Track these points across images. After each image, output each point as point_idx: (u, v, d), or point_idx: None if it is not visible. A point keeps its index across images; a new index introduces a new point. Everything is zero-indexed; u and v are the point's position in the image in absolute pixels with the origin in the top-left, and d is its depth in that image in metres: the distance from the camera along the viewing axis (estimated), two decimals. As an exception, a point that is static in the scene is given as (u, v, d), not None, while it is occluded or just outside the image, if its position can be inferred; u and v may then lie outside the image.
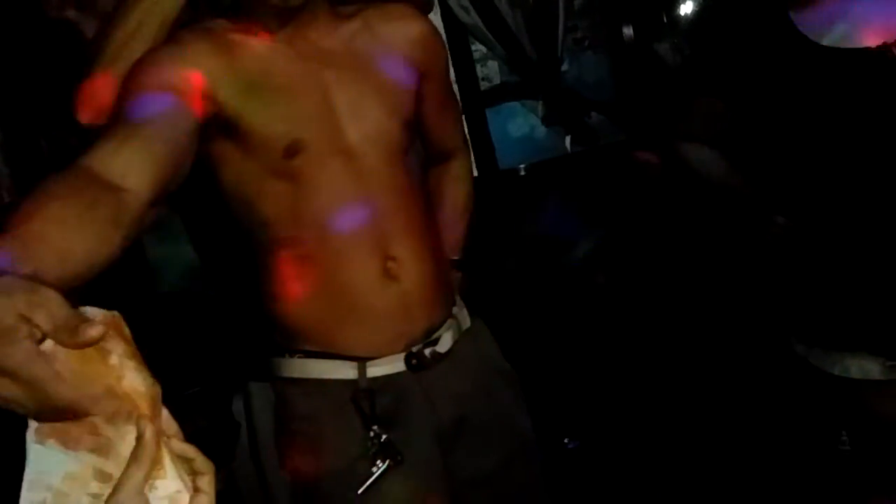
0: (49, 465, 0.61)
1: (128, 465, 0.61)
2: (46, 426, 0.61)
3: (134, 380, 0.64)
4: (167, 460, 0.63)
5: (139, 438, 0.62)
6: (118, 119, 1.03)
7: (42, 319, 0.61)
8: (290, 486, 1.31)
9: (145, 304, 1.82)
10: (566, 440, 2.44)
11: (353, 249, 1.21)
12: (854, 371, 1.40)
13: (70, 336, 0.61)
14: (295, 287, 1.24)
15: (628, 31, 2.84)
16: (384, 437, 1.23)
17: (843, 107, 1.32)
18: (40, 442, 0.61)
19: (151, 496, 0.62)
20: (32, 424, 0.61)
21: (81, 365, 0.62)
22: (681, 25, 2.80)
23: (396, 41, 1.28)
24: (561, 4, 2.79)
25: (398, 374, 1.26)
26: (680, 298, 2.53)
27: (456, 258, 1.47)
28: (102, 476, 0.62)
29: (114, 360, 0.63)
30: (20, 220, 0.79)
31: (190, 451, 0.67)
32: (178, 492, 0.64)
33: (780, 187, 1.43)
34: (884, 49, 1.29)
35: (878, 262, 1.35)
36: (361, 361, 1.24)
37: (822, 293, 1.43)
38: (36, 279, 0.67)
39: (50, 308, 0.61)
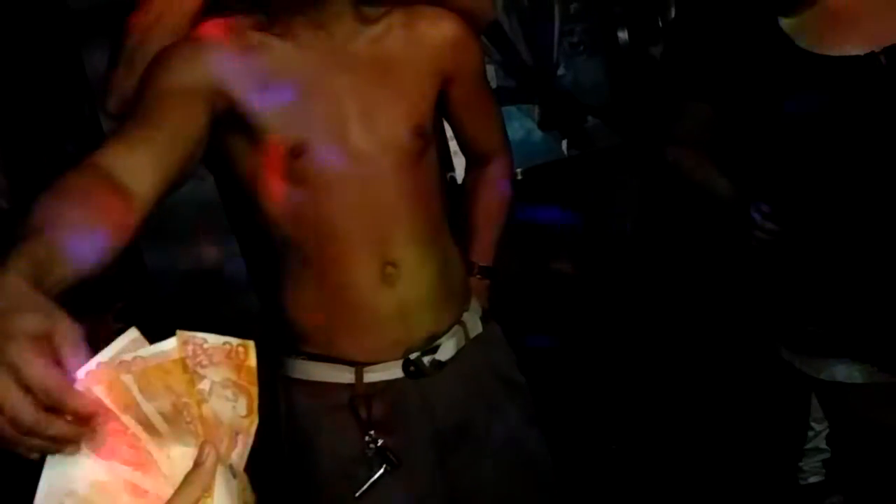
0: (74, 471, 0.60)
1: (180, 488, 0.61)
2: None
3: (220, 408, 0.64)
4: (217, 488, 0.62)
5: (198, 465, 0.62)
6: (133, 118, 1.06)
7: (60, 342, 0.63)
8: (292, 482, 1.32)
9: (145, 308, 1.83)
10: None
11: (351, 253, 1.21)
12: (839, 375, 1.41)
13: (57, 390, 0.61)
14: (297, 288, 1.25)
15: (624, 35, 2.85)
16: (380, 441, 1.24)
17: (830, 114, 1.33)
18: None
19: None
20: None
21: (155, 379, 0.62)
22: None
23: (423, 45, 1.26)
24: (556, 9, 2.81)
25: (396, 380, 1.26)
26: (670, 302, 2.54)
27: (484, 264, 1.46)
28: (136, 491, 0.61)
29: (204, 384, 0.63)
30: (42, 224, 0.80)
31: (243, 479, 0.67)
32: None
33: (768, 193, 1.44)
34: (872, 56, 1.30)
35: (863, 270, 1.36)
36: (359, 366, 1.25)
37: (807, 300, 1.44)
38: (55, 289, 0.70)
39: (69, 341, 0.63)
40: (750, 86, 1.38)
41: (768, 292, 1.52)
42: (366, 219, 1.21)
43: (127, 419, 0.62)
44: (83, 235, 0.82)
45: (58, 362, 0.62)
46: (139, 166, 0.97)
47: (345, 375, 1.25)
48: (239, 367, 0.64)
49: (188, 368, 0.63)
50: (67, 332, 0.63)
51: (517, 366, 1.42)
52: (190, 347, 0.62)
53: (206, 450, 0.62)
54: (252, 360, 0.65)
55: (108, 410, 0.61)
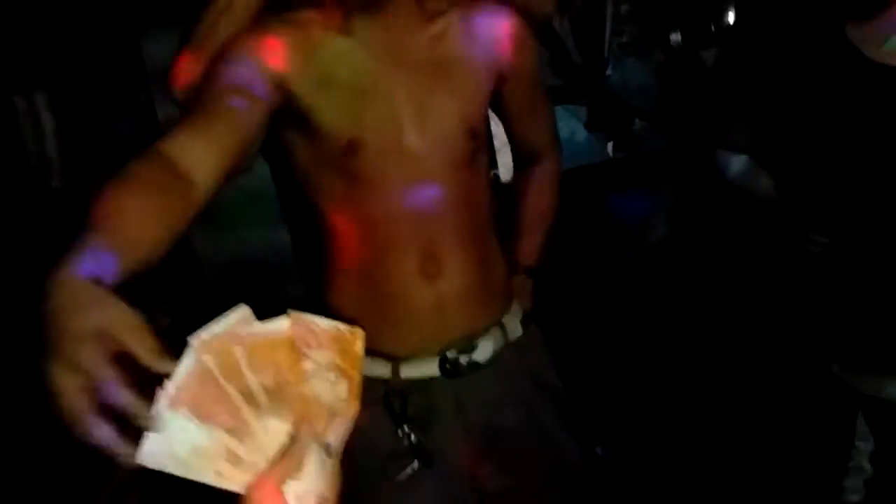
0: (176, 434, 0.62)
1: (275, 461, 0.63)
2: (183, 394, 0.62)
3: (321, 388, 0.66)
4: (311, 464, 0.64)
5: (293, 440, 0.64)
6: (198, 108, 1.08)
7: (133, 342, 0.64)
8: None
9: (191, 292, 1.86)
10: (598, 448, 2.43)
11: (394, 247, 1.23)
12: (888, 392, 1.38)
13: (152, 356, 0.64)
14: (340, 278, 1.27)
15: (675, 37, 2.82)
16: (414, 437, 1.25)
17: (891, 125, 1.30)
18: (173, 409, 0.62)
19: (283, 489, 0.63)
20: (167, 391, 0.62)
21: (263, 354, 0.64)
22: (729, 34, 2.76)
23: (481, 43, 1.26)
24: (609, 9, 2.78)
25: (432, 377, 1.27)
26: (714, 308, 2.51)
27: (529, 265, 1.46)
28: (234, 458, 0.63)
29: (308, 365, 0.65)
30: (106, 215, 0.83)
31: (336, 460, 0.69)
32: (308, 492, 0.65)
33: (821, 205, 1.41)
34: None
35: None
36: (396, 361, 1.26)
37: (857, 315, 1.41)
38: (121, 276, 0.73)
39: (142, 336, 0.65)
40: (811, 93, 1.36)
41: (821, 305, 1.49)
42: (413, 215, 1.22)
43: (232, 388, 0.64)
44: (144, 227, 0.84)
45: (123, 354, 0.63)
46: (201, 156, 1.00)
47: (381, 369, 1.26)
48: (344, 353, 0.67)
49: (295, 348, 0.65)
50: (130, 323, 0.65)
51: (556, 371, 1.41)
52: (300, 328, 0.65)
53: (301, 428, 0.64)
54: (359, 348, 0.68)
55: (214, 378, 0.64)
